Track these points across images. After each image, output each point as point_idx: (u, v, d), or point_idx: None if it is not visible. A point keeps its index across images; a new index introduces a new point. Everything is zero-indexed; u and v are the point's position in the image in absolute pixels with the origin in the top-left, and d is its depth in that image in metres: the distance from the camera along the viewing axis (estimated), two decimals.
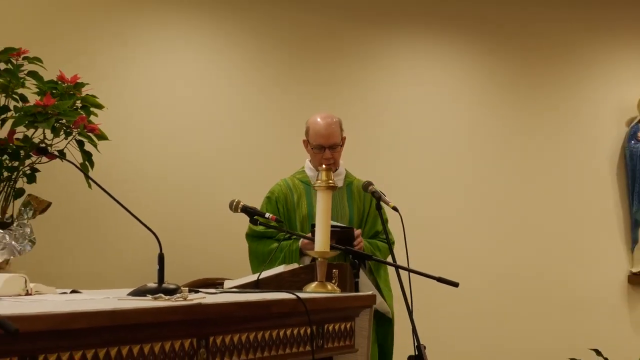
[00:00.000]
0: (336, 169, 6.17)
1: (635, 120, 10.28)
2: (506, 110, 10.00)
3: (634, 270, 10.33)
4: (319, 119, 7.73)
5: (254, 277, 6.25)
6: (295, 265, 6.57)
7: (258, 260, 7.58)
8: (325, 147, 7.66)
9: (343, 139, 7.76)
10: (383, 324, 7.60)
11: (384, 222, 7.25)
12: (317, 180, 6.12)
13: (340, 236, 6.75)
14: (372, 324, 6.50)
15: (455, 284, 6.73)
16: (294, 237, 7.45)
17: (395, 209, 7.10)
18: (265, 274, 6.28)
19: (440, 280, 6.65)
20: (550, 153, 10.12)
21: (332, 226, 6.62)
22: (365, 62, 9.59)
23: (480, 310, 9.68)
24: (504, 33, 10.00)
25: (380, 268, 7.67)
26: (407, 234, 6.99)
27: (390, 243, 7.07)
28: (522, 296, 9.93)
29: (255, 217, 6.78)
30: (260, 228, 7.50)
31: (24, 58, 7.42)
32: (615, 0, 10.26)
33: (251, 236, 7.70)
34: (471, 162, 9.88)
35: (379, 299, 7.38)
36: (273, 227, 7.10)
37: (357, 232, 7.39)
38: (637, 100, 10.27)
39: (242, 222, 7.43)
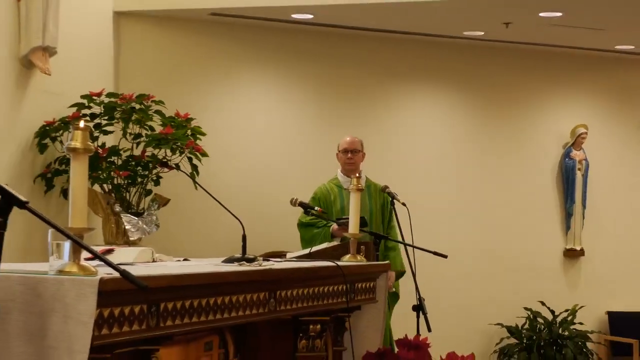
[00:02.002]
0: (359, 175, 6.15)
1: (569, 145, 10.22)
2: (480, 138, 9.95)
3: (567, 247, 10.26)
4: (347, 137, 7.94)
5: (307, 251, 6.26)
6: (335, 243, 6.57)
7: (304, 242, 7.64)
8: (348, 151, 7.79)
9: (363, 153, 7.88)
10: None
11: (397, 218, 7.33)
12: (350, 184, 6.12)
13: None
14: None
15: (445, 256, 6.74)
16: (328, 224, 7.49)
17: (404, 204, 7.16)
18: (315, 248, 6.29)
19: (434, 253, 6.65)
20: (511, 167, 10.07)
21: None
22: (384, 104, 9.56)
23: (462, 273, 9.62)
24: (480, 87, 9.94)
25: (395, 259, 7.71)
26: (412, 221, 7.00)
27: (402, 236, 7.13)
28: (491, 264, 9.87)
29: (308, 210, 6.81)
30: (306, 219, 7.63)
31: (152, 101, 7.45)
32: (553, 60, 10.19)
33: (300, 225, 7.77)
34: (455, 173, 9.84)
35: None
36: (319, 216, 7.12)
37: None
38: (569, 131, 10.21)
39: (298, 213, 7.45)
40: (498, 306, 9.82)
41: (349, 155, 7.85)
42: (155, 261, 4.98)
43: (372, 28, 9.12)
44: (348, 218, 6.72)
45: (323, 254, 6.06)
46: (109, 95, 7.38)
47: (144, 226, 7.21)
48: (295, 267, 5.23)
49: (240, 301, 4.49)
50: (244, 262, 4.91)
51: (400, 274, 7.83)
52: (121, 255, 4.73)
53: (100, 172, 7.14)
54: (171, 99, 7.80)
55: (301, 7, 8.31)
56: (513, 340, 9.74)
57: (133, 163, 7.29)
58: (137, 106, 7.36)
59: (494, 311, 9.79)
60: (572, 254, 10.28)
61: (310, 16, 8.62)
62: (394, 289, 7.76)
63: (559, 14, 8.34)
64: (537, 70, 10.18)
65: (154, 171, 7.37)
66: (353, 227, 5.97)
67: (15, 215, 3.35)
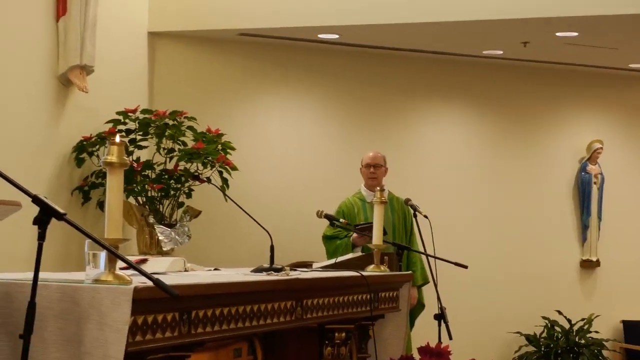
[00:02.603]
0: (382, 189, 6.12)
1: (585, 159, 10.18)
2: (499, 153, 9.91)
3: (584, 257, 10.20)
4: (370, 152, 7.98)
5: (332, 261, 6.25)
6: (358, 253, 6.55)
7: (329, 254, 7.64)
8: (371, 165, 7.80)
9: (385, 168, 7.88)
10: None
11: (418, 228, 7.29)
12: (374, 198, 6.10)
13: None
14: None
15: (465, 267, 6.71)
16: (349, 235, 7.51)
17: (425, 216, 7.13)
18: (340, 259, 6.27)
19: (455, 264, 6.62)
20: (528, 181, 10.01)
21: (368, 223, 6.77)
22: (407, 121, 9.54)
23: (482, 283, 9.57)
24: (499, 104, 9.91)
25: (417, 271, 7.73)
26: (434, 232, 6.97)
27: (424, 247, 7.11)
28: (509, 274, 9.81)
29: (334, 221, 6.79)
30: (330, 232, 7.66)
31: (184, 117, 7.47)
32: (569, 78, 10.14)
33: (324, 238, 7.79)
34: (475, 186, 9.79)
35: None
36: (344, 227, 7.12)
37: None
38: (585, 146, 10.16)
39: (324, 225, 7.43)
40: (517, 315, 9.77)
41: (372, 170, 7.86)
42: (187, 271, 4.98)
43: (394, 47, 9.12)
44: (367, 224, 6.78)
45: (348, 264, 6.05)
46: (144, 111, 7.41)
47: (177, 237, 7.22)
48: (321, 277, 5.21)
49: (269, 309, 4.48)
50: (272, 271, 4.91)
51: (423, 284, 7.86)
52: (154, 265, 4.73)
53: (135, 185, 7.16)
54: (203, 115, 7.83)
55: (327, 28, 8.31)
56: (531, 348, 9.69)
57: (166, 176, 7.31)
58: (171, 122, 7.38)
59: (513, 320, 9.74)
60: (588, 265, 10.22)
61: (336, 36, 8.63)
62: (417, 301, 7.81)
63: (575, 33, 8.31)
64: (553, 88, 10.14)
65: (186, 184, 7.38)
66: (377, 238, 5.96)
67: (54, 226, 3.36)
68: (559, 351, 9.57)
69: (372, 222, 7.13)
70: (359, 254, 6.92)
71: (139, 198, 7.27)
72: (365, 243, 7.36)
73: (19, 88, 6.53)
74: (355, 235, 7.43)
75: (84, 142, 7.13)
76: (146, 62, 8.38)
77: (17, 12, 6.51)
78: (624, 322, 10.18)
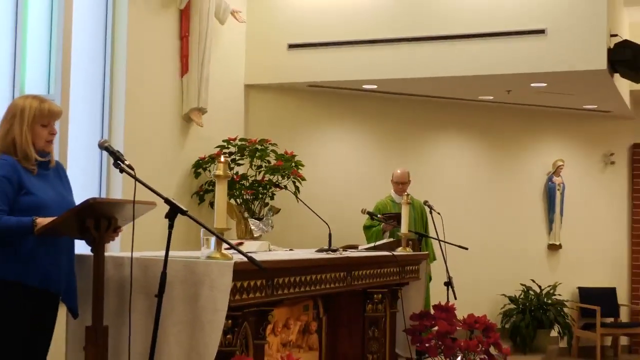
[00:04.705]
0: (407, 194, 6.09)
1: (551, 173, 10.02)
2: (490, 168, 9.79)
3: (550, 242, 10.04)
4: (398, 170, 7.87)
5: (372, 244, 6.21)
6: (391, 239, 6.50)
7: (367, 238, 7.61)
8: (399, 183, 7.69)
9: (409, 181, 7.78)
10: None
11: (433, 221, 7.23)
12: (402, 200, 6.06)
13: (396, 217, 6.69)
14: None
15: (466, 248, 6.65)
16: (380, 224, 7.40)
17: (438, 213, 7.07)
18: (378, 243, 6.24)
19: (459, 246, 6.57)
20: (510, 188, 9.87)
21: (392, 213, 6.72)
22: (425, 147, 9.46)
23: (477, 260, 9.38)
24: (490, 135, 9.80)
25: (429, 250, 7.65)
26: (444, 224, 6.90)
27: (437, 234, 7.02)
28: (497, 254, 9.66)
29: (373, 216, 6.75)
30: (367, 223, 7.60)
31: (269, 144, 7.48)
32: (541, 116, 10.00)
33: (364, 227, 7.74)
34: (472, 193, 9.68)
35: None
36: (380, 220, 7.06)
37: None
38: (551, 163, 10.02)
39: (365, 218, 7.38)
40: (502, 282, 9.64)
41: (400, 186, 7.80)
42: (271, 250, 4.99)
43: (416, 94, 9.08)
44: (392, 214, 6.86)
45: (384, 247, 6.03)
46: (241, 139, 7.45)
47: (263, 227, 7.23)
48: (365, 256, 5.19)
49: (327, 278, 4.47)
50: (330, 251, 4.89)
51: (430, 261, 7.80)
52: (248, 246, 4.75)
53: (234, 191, 7.19)
54: (282, 142, 7.84)
55: (369, 80, 8.29)
56: (513, 306, 9.56)
57: (256, 185, 7.33)
58: (259, 147, 7.41)
59: (500, 286, 9.63)
60: (553, 248, 10.07)
61: (375, 86, 8.60)
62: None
63: (544, 84, 8.21)
64: (529, 123, 10.01)
65: (270, 190, 7.39)
66: (404, 228, 5.92)
67: (179, 220, 3.38)
68: (532, 308, 9.45)
69: (395, 213, 7.13)
70: (387, 239, 6.89)
71: (237, 200, 7.30)
72: (391, 229, 7.36)
73: (155, 124, 6.62)
74: (384, 223, 7.39)
75: (200, 161, 7.18)
76: (243, 105, 8.41)
77: (155, 72, 6.60)
78: (579, 288, 10.01)
